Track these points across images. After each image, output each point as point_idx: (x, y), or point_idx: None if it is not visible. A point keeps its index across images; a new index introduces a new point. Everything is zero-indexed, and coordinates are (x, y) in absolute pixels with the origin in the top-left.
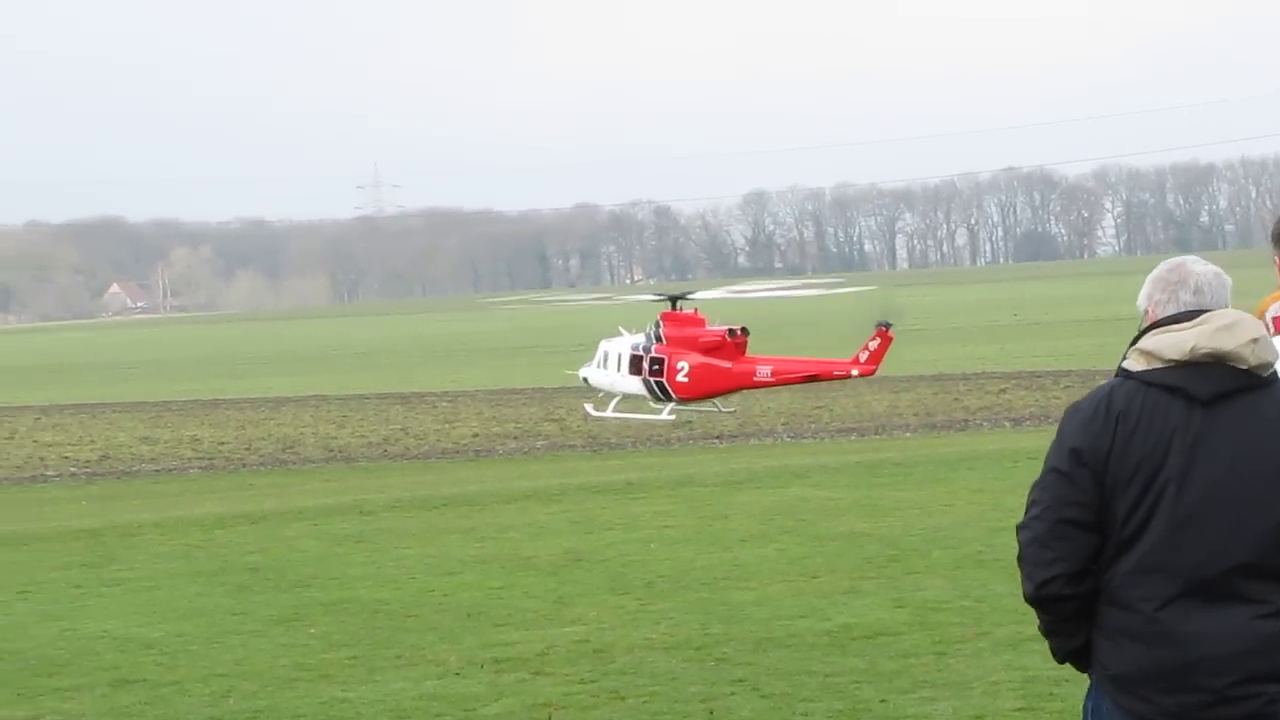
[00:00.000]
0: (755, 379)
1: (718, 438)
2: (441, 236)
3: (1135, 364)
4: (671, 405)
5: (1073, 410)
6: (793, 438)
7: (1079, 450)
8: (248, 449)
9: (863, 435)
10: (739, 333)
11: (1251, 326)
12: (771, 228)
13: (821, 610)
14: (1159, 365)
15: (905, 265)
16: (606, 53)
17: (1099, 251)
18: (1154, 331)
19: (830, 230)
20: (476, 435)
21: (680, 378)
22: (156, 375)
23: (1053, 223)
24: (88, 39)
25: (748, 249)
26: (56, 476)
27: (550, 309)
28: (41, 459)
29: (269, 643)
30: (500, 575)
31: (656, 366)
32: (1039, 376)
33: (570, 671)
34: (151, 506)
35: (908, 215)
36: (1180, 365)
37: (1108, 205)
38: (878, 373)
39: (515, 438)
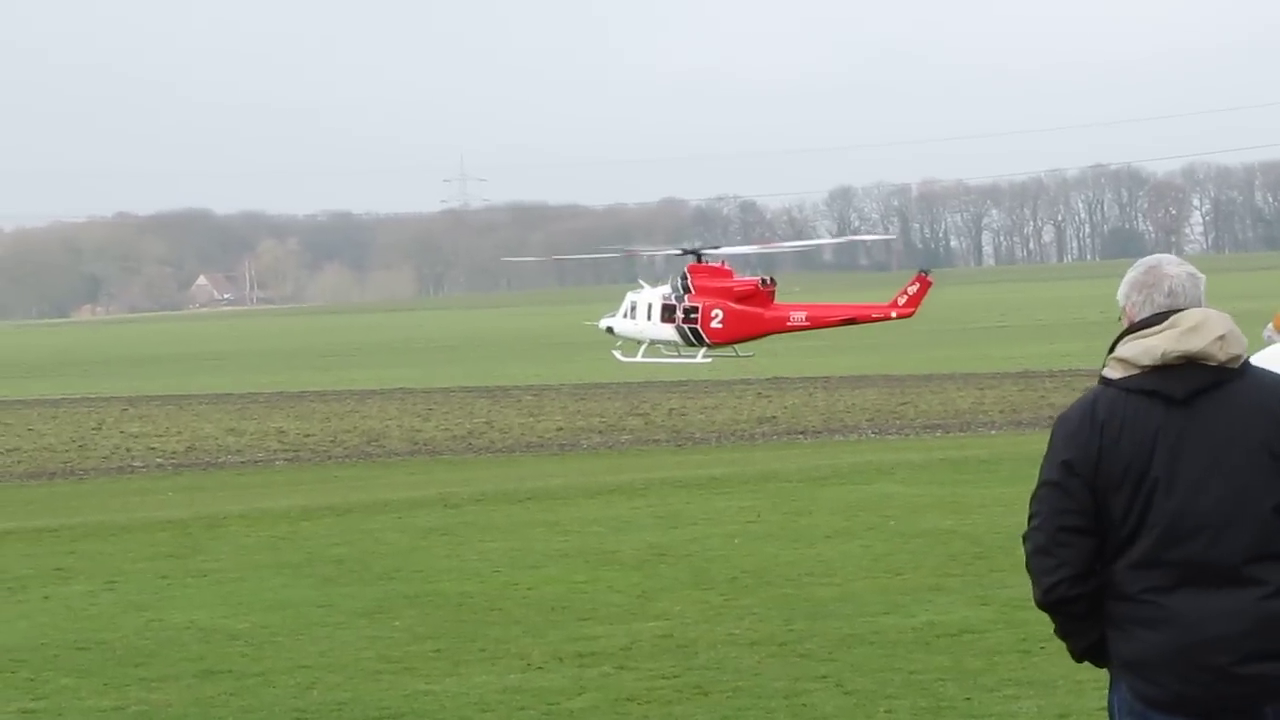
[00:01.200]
0: (789, 324)
1: (802, 433)
2: (527, 230)
3: (1114, 371)
4: (704, 350)
5: (1061, 421)
6: (877, 434)
7: (1069, 462)
8: (333, 441)
9: (948, 432)
10: (769, 281)
11: (1217, 324)
12: (857, 224)
13: (906, 607)
14: (1135, 371)
15: (991, 262)
16: (690, 50)
17: (1187, 249)
18: (1129, 338)
19: (916, 226)
20: (561, 429)
21: (715, 324)
22: (242, 367)
23: (1140, 220)
24: (175, 31)
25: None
26: (143, 467)
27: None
28: (128, 450)
29: (354, 635)
30: (584, 569)
31: (690, 314)
32: None
33: (653, 666)
34: (237, 498)
35: (994, 212)
36: (1154, 369)
37: (1195, 203)
38: (915, 315)
39: (599, 432)
